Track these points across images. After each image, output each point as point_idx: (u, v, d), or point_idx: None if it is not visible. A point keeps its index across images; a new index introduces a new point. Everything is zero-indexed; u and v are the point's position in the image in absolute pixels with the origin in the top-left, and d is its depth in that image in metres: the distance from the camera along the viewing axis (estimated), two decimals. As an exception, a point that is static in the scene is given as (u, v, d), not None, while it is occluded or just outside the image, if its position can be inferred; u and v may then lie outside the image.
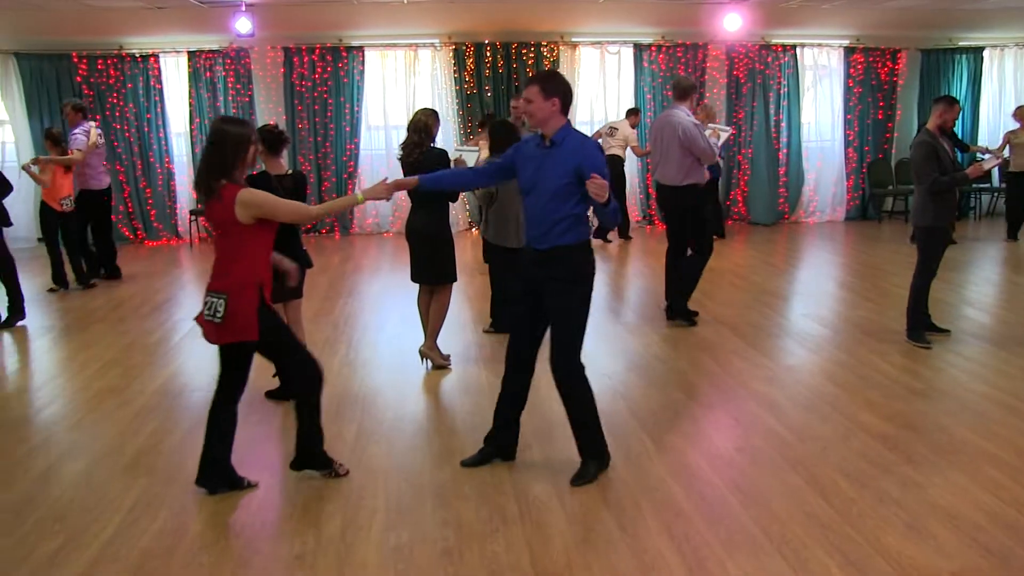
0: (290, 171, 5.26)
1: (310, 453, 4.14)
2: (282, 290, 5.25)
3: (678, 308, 6.97)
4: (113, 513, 3.90)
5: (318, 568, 3.41)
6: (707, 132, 6.91)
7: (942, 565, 3.30)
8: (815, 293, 8.40)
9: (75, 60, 11.59)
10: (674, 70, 12.36)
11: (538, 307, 4.07)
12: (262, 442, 4.77)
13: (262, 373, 5.77)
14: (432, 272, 5.85)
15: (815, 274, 9.55)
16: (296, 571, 3.39)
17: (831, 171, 13.10)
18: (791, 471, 4.18)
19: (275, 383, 5.41)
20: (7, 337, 7.19)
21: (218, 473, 4.07)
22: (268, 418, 5.09)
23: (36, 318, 7.77)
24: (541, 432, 4.67)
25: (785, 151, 12.88)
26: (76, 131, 8.81)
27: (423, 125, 5.67)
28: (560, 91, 3.91)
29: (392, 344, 6.61)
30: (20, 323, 7.43)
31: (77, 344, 6.88)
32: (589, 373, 4.13)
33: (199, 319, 3.93)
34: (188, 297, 8.84)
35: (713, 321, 7.07)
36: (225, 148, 3.76)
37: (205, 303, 3.87)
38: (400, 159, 5.79)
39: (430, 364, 5.94)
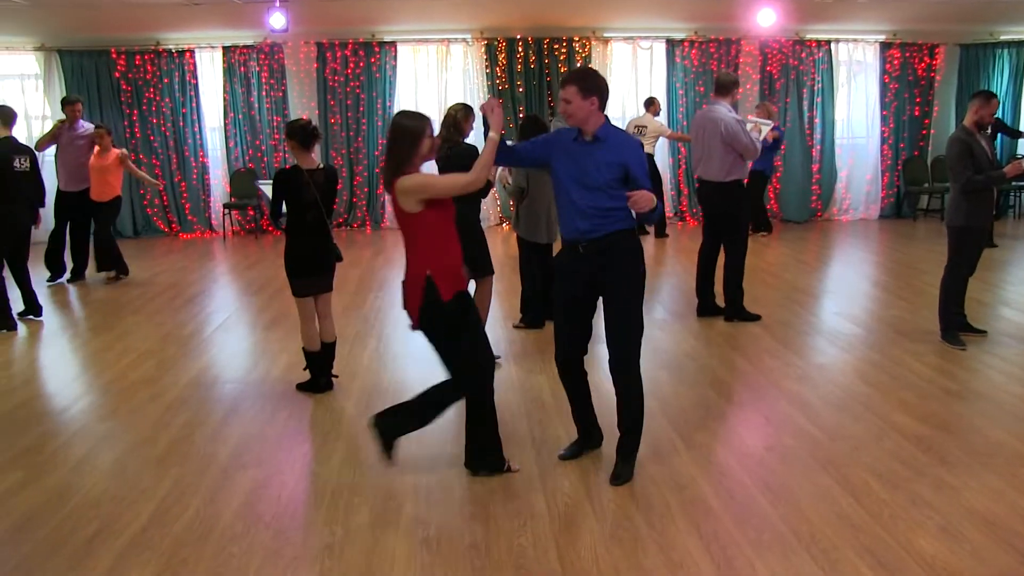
0: (321, 165, 5.28)
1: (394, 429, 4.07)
2: (324, 282, 5.31)
3: (738, 313, 6.93)
4: (146, 502, 3.97)
5: (346, 559, 3.43)
6: (748, 127, 6.83)
7: (977, 570, 3.25)
8: (847, 291, 8.30)
9: (114, 56, 11.77)
10: (707, 66, 12.28)
11: (588, 308, 4.09)
12: (293, 434, 4.81)
13: (294, 368, 5.83)
14: (471, 265, 5.82)
15: (848, 272, 9.43)
16: (325, 560, 3.42)
17: (864, 168, 12.93)
18: (822, 471, 4.14)
19: (306, 376, 5.46)
20: (44, 328, 7.32)
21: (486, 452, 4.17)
22: (299, 411, 5.14)
23: (71, 310, 7.91)
24: (574, 430, 4.66)
25: (819, 148, 12.74)
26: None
27: (453, 120, 5.66)
28: (597, 89, 3.88)
29: (422, 339, 6.60)
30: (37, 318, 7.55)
31: (112, 336, 6.98)
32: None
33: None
34: (221, 290, 8.95)
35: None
36: (399, 142, 3.83)
37: None
38: None
39: None
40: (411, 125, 3.86)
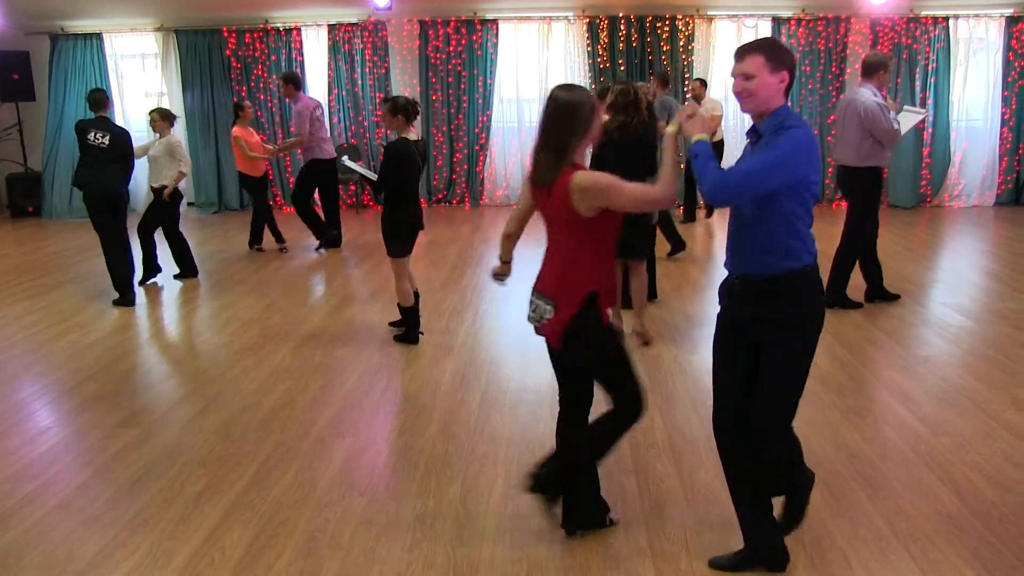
0: (421, 137, 5.94)
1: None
2: (413, 243, 5.88)
3: (839, 300, 6.73)
4: (249, 464, 4.15)
5: (437, 529, 3.52)
6: (900, 114, 6.59)
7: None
8: (957, 282, 7.94)
9: (225, 34, 12.16)
10: (814, 45, 11.88)
11: (747, 350, 3.05)
12: (389, 406, 4.94)
13: (391, 339, 5.96)
14: (627, 251, 5.77)
15: (958, 261, 9.02)
16: (416, 531, 3.51)
17: (980, 152, 12.28)
18: (924, 467, 4.01)
19: (396, 337, 6.03)
20: (162, 296, 7.70)
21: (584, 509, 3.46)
22: (395, 383, 5.27)
23: (180, 280, 8.29)
24: (664, 411, 4.63)
25: (930, 131, 12.18)
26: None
27: (635, 96, 5.56)
28: (789, 63, 2.89)
29: (518, 315, 6.66)
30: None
31: (220, 304, 7.28)
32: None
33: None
34: (323, 264, 9.19)
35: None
36: (567, 120, 3.06)
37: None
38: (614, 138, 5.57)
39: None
40: (581, 99, 3.06)
